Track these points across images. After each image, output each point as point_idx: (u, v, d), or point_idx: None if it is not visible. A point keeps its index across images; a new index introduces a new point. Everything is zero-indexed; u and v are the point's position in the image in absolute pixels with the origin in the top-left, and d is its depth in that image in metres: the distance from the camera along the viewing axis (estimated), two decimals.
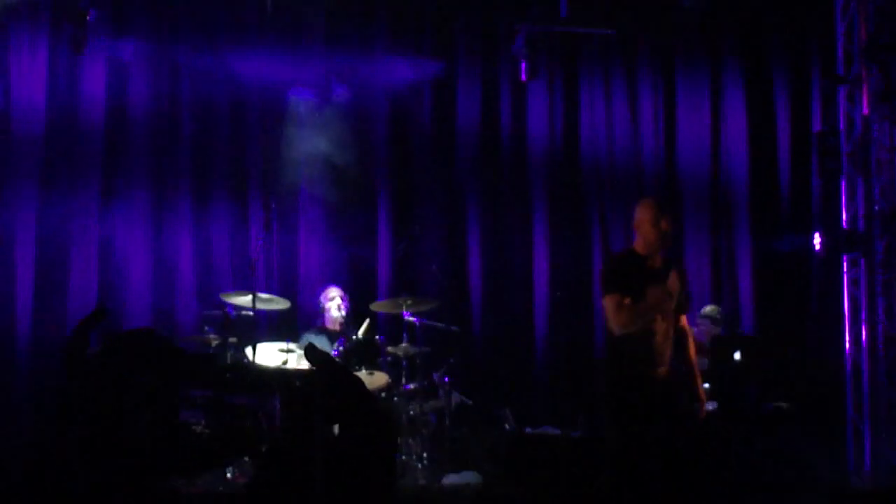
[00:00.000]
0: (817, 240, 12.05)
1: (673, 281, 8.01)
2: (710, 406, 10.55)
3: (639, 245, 8.09)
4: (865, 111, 12.06)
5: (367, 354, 11.06)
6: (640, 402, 7.87)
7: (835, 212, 12.45)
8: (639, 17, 12.99)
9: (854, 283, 12.14)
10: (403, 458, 10.69)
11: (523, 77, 12.35)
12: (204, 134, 12.50)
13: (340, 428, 3.33)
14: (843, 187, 12.27)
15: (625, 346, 7.93)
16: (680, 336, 8.19)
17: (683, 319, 8.27)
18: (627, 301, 7.78)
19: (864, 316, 12.00)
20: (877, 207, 11.99)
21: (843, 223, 12.24)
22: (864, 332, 12.00)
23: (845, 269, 12.22)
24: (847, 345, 12.11)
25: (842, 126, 12.28)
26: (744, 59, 13.30)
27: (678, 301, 8.12)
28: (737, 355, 10.76)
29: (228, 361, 10.73)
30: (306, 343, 10.65)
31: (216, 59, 12.40)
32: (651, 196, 8.67)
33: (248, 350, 10.62)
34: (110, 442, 3.48)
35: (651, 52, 13.24)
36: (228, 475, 10.34)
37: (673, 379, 8.14)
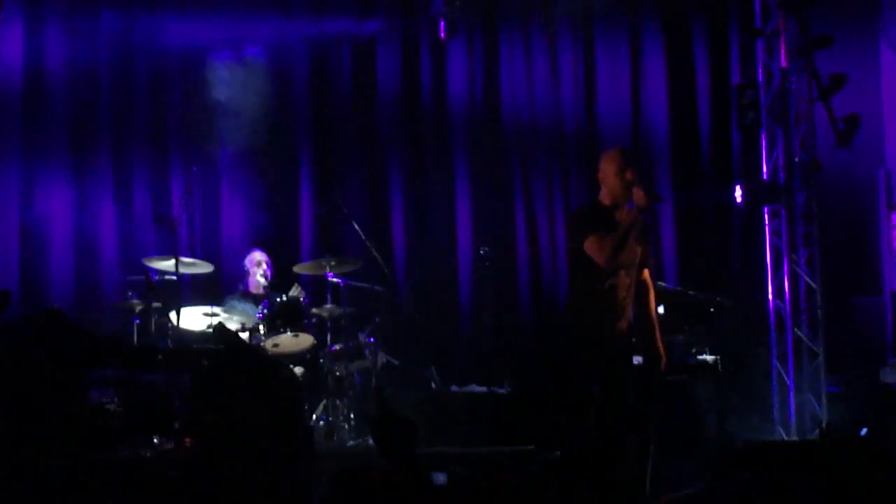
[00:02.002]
0: (738, 192, 12.08)
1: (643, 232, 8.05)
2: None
3: (604, 196, 8.05)
4: (784, 64, 12.10)
5: (292, 316, 11.04)
6: (603, 356, 7.90)
7: (755, 164, 12.50)
8: None
9: (776, 234, 12.21)
10: (330, 419, 10.71)
11: (442, 35, 12.27)
12: (124, 98, 12.44)
13: (248, 401, 3.35)
14: (762, 139, 12.31)
15: (588, 301, 7.95)
16: (641, 290, 8.21)
17: (646, 273, 8.25)
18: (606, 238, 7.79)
19: (786, 267, 12.08)
20: (797, 159, 12.05)
21: (764, 175, 12.29)
22: (786, 283, 12.08)
23: (767, 221, 12.27)
24: (770, 296, 12.18)
25: (760, 79, 12.31)
26: (663, 15, 13.29)
27: (645, 255, 8.15)
28: (660, 309, 10.80)
29: (152, 329, 10.73)
30: (230, 307, 10.62)
31: (135, 21, 12.29)
32: (616, 147, 8.60)
33: (173, 314, 10.57)
34: (18, 423, 3.47)
35: (570, 9, 13.18)
36: (155, 440, 10.31)
37: (632, 334, 8.19)
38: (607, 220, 7.90)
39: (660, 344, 8.22)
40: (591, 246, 7.84)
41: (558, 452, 9.24)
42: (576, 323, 8.10)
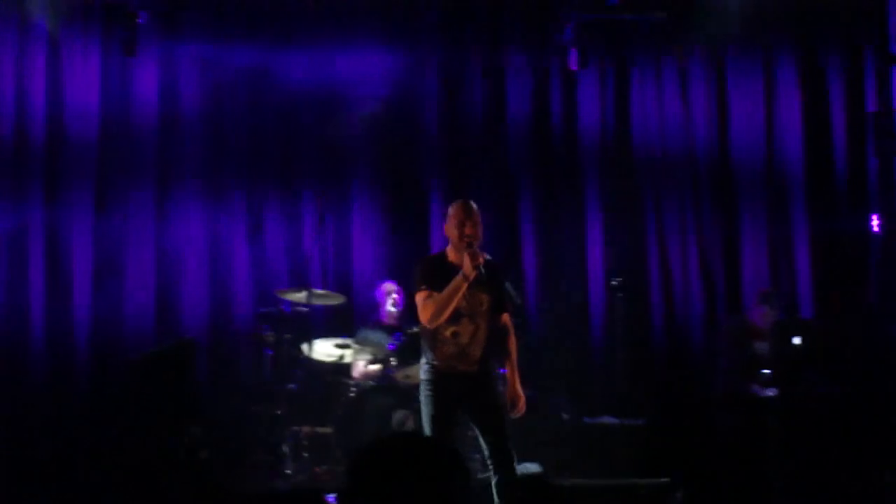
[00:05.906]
0: (875, 221, 11.90)
1: (488, 281, 8.00)
2: (770, 392, 10.49)
3: (450, 249, 8.16)
4: None
5: None
6: (452, 394, 8.04)
7: (892, 192, 12.32)
8: (689, 2, 12.82)
9: None
10: (459, 449, 10.66)
11: (573, 66, 12.27)
12: (256, 132, 12.57)
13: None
14: None
15: (435, 344, 8.07)
16: (500, 335, 8.27)
17: (505, 318, 8.32)
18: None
19: None
20: None
21: None
22: None
23: None
24: None
25: None
26: (796, 43, 13.13)
27: (496, 301, 8.18)
28: (796, 340, 10.67)
29: (285, 361, 10.85)
30: (362, 338, 10.71)
31: (268, 55, 12.45)
32: (460, 200, 8.53)
33: (305, 346, 10.67)
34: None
35: (702, 38, 13.07)
36: (288, 471, 10.39)
37: (483, 377, 8.17)
38: (446, 275, 7.93)
39: (517, 389, 8.25)
40: (418, 302, 8.03)
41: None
42: (425, 361, 8.19)
